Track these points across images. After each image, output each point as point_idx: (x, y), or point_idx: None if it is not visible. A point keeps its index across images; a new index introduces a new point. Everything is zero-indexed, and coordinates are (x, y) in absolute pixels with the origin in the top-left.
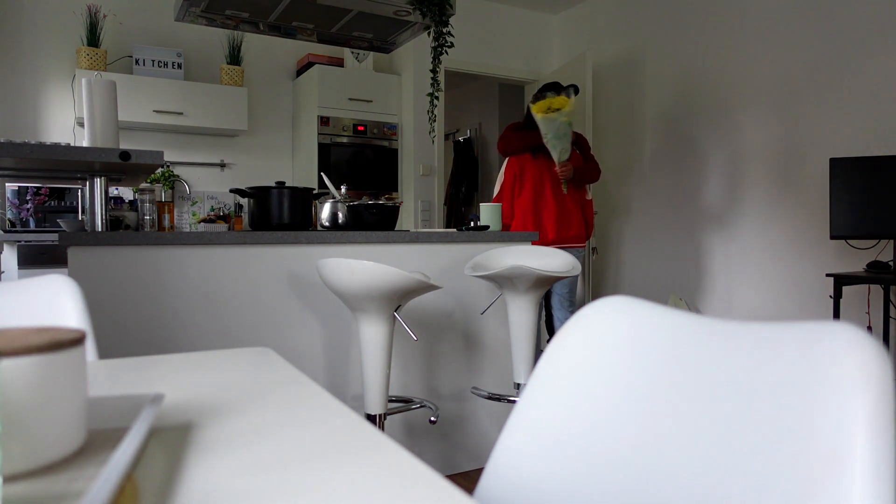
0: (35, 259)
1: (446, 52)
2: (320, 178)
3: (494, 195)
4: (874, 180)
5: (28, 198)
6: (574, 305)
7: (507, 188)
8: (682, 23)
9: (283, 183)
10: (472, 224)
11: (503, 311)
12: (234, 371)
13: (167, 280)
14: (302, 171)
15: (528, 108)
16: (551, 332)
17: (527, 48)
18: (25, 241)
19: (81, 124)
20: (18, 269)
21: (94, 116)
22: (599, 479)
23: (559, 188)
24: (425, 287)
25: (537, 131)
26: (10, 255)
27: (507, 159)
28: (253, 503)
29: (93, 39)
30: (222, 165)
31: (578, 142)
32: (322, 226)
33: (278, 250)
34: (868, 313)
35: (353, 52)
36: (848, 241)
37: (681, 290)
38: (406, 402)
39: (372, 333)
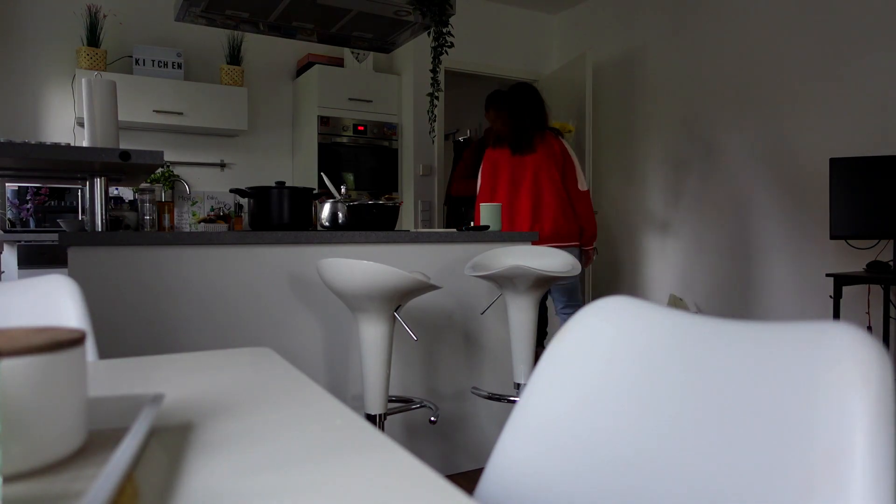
0: (35, 259)
1: (446, 52)
2: (320, 178)
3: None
4: (874, 180)
5: (28, 198)
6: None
7: (484, 186)
8: (681, 23)
9: (283, 183)
10: (472, 224)
11: (503, 311)
12: (234, 371)
13: (167, 280)
14: (302, 171)
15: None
16: (542, 334)
17: (527, 48)
18: (25, 241)
19: (81, 124)
20: (18, 269)
21: (94, 116)
22: (600, 479)
23: (539, 183)
24: (425, 287)
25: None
26: (10, 255)
27: (484, 155)
28: (253, 503)
29: (93, 39)
30: (222, 165)
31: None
32: (322, 226)
33: (278, 250)
34: (868, 313)
35: (353, 52)
36: (848, 241)
37: (681, 290)
38: (406, 402)
39: (372, 333)
